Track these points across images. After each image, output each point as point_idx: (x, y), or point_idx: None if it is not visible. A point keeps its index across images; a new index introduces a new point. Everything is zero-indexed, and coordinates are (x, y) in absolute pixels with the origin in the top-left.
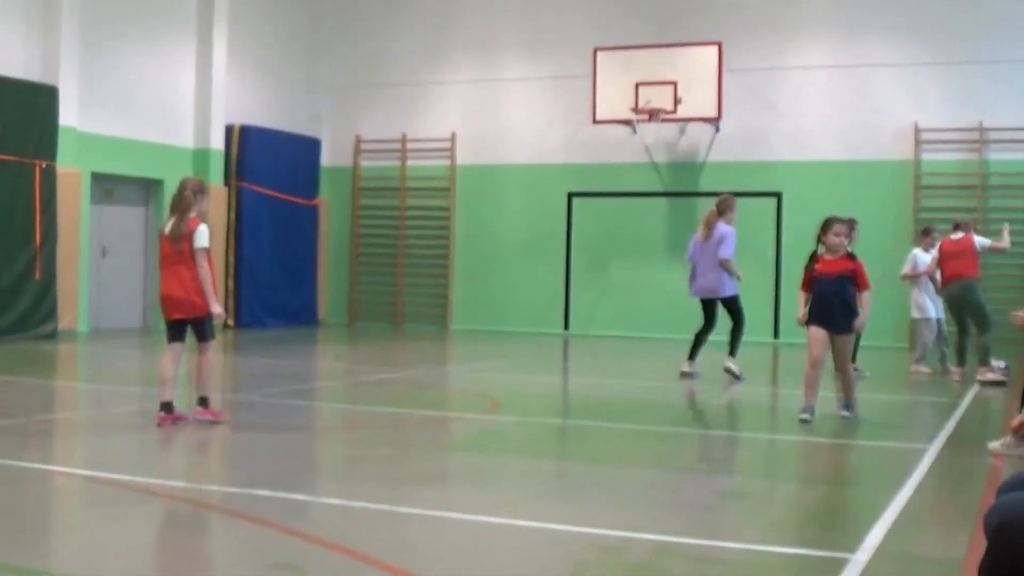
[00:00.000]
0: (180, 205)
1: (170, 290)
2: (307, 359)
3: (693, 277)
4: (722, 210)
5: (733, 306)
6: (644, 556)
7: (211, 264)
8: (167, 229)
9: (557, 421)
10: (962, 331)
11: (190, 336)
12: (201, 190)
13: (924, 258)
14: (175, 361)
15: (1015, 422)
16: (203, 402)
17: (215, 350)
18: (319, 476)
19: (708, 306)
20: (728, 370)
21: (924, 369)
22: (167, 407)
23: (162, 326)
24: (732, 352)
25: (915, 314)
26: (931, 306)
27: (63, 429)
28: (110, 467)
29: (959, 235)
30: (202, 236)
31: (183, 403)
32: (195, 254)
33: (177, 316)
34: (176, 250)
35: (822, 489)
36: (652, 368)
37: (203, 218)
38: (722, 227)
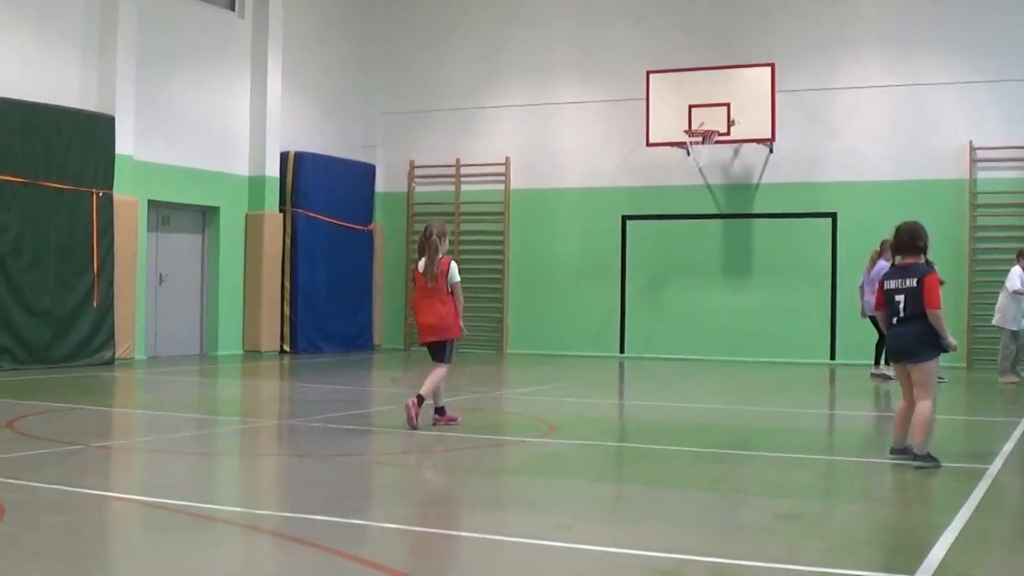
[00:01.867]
0: (429, 248)
1: (426, 319)
2: (363, 384)
3: (862, 297)
4: (882, 250)
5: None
6: None
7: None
8: (421, 268)
9: (614, 444)
10: None
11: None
12: (444, 233)
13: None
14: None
15: None
16: (438, 411)
17: (450, 369)
18: (377, 501)
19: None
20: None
21: (1013, 379)
22: (440, 411)
23: (222, 353)
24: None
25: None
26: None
27: (121, 455)
28: (168, 493)
29: None
30: (455, 273)
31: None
32: (452, 288)
33: (431, 339)
34: (430, 285)
35: (881, 510)
36: (708, 390)
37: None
38: (881, 263)
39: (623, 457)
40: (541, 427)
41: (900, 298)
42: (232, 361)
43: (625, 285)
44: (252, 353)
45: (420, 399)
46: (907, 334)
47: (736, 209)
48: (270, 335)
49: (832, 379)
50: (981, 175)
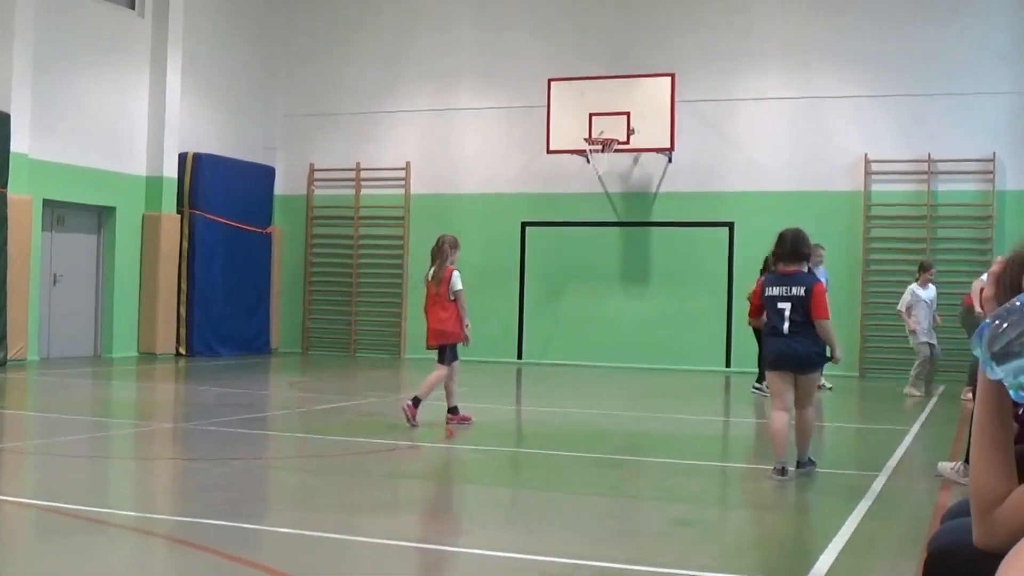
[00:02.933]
0: (440, 256)
1: (431, 324)
2: (260, 388)
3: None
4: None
5: None
6: None
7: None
8: (429, 275)
9: (510, 450)
10: None
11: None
12: (455, 245)
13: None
14: (452, 376)
15: None
16: (451, 411)
17: (458, 370)
18: (271, 505)
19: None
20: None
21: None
22: (453, 411)
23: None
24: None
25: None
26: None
27: (12, 458)
28: (60, 497)
29: None
30: (457, 281)
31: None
32: (455, 296)
33: (435, 343)
34: (436, 292)
35: (772, 516)
36: (604, 397)
37: (455, 266)
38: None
39: (520, 462)
40: (438, 432)
41: (785, 306)
42: (127, 363)
43: (524, 291)
44: (147, 355)
45: (416, 400)
46: (796, 344)
47: (635, 217)
48: (166, 337)
49: (727, 386)
50: (875, 187)
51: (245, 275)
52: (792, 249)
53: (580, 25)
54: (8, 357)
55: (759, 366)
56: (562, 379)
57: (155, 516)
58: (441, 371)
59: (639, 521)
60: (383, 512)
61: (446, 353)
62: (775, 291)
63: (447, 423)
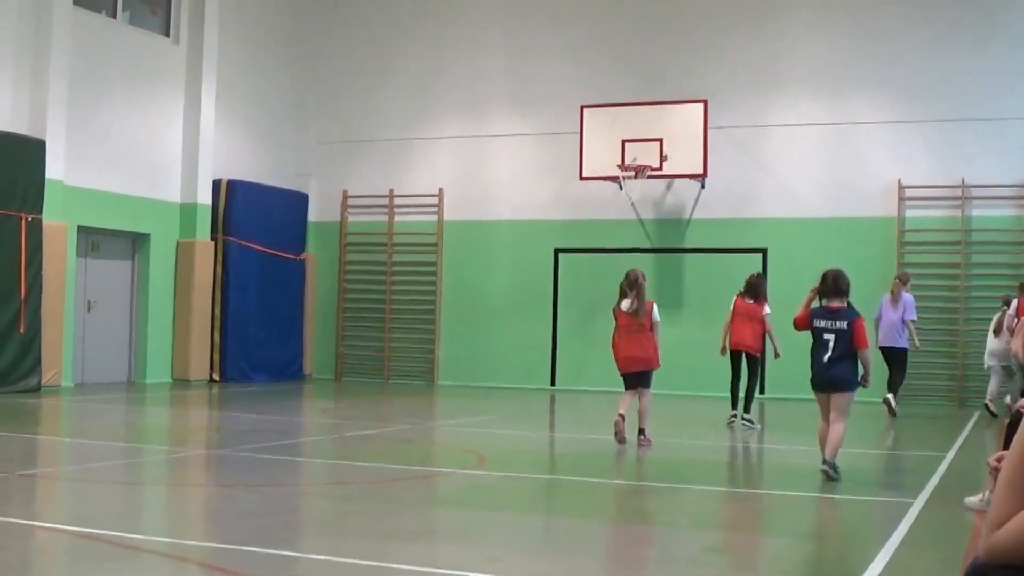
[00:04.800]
0: (637, 289)
1: (632, 351)
2: (293, 414)
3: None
4: (905, 280)
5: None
6: None
7: None
8: (625, 307)
9: (544, 476)
10: None
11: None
12: (644, 278)
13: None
14: (630, 399)
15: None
16: (642, 432)
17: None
18: (306, 532)
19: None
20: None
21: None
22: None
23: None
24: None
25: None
26: None
27: (47, 484)
28: (94, 523)
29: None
30: (657, 313)
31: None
32: (654, 326)
33: (636, 369)
34: (636, 323)
35: (809, 544)
36: (637, 423)
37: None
38: (906, 295)
39: (553, 489)
40: (471, 459)
41: (830, 337)
42: (161, 389)
43: (557, 318)
44: (181, 381)
45: (643, 431)
46: (834, 370)
47: (668, 243)
48: (199, 363)
49: (762, 412)
50: (909, 213)
51: (279, 301)
52: (834, 286)
53: (612, 52)
54: (43, 383)
55: (746, 396)
56: (596, 406)
57: (189, 543)
58: (647, 395)
59: (673, 548)
60: (417, 539)
61: (650, 378)
62: (821, 323)
63: (639, 444)
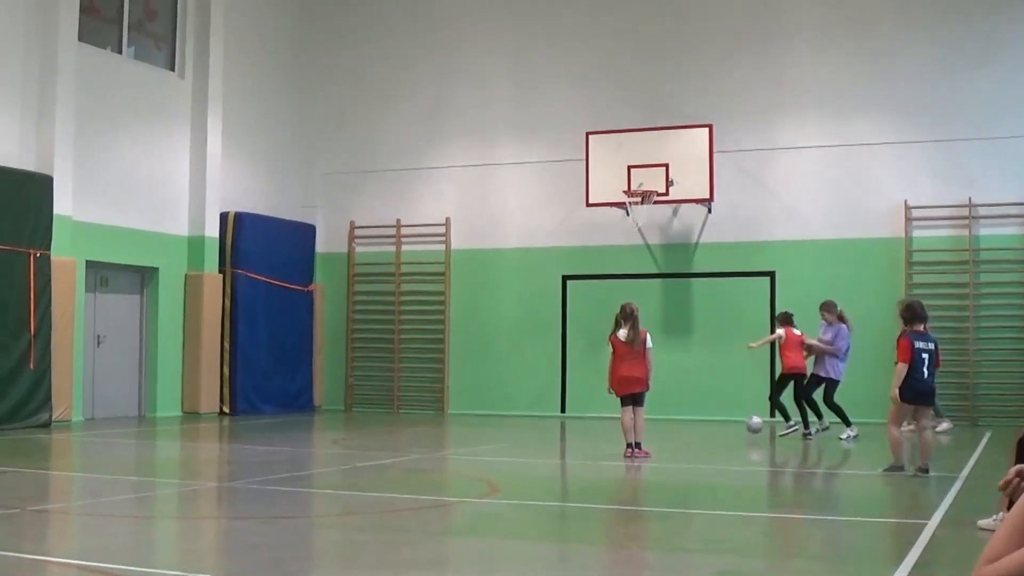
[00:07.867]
0: (633, 319)
1: (632, 373)
2: (304, 445)
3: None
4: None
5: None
6: None
7: None
8: (622, 336)
9: (556, 504)
10: None
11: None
12: (639, 310)
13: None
14: (631, 416)
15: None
16: (639, 446)
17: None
18: (319, 563)
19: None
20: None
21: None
22: (635, 446)
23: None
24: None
25: None
26: None
27: (59, 519)
28: (107, 557)
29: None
30: (650, 341)
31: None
32: (647, 352)
33: (635, 390)
34: (632, 350)
35: (821, 567)
36: (649, 449)
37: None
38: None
39: (565, 517)
40: (483, 487)
41: (926, 356)
42: (171, 423)
43: (566, 344)
44: (191, 414)
45: (638, 445)
46: (933, 382)
47: (675, 268)
48: (209, 396)
49: (771, 436)
50: (916, 233)
51: (287, 333)
52: (923, 313)
53: (617, 78)
54: (53, 418)
55: (806, 409)
56: (607, 432)
57: (201, 575)
58: (641, 413)
59: (686, 574)
60: (430, 569)
61: (644, 398)
62: (920, 344)
63: (634, 457)
